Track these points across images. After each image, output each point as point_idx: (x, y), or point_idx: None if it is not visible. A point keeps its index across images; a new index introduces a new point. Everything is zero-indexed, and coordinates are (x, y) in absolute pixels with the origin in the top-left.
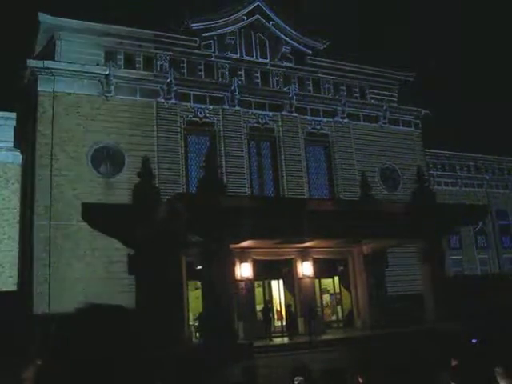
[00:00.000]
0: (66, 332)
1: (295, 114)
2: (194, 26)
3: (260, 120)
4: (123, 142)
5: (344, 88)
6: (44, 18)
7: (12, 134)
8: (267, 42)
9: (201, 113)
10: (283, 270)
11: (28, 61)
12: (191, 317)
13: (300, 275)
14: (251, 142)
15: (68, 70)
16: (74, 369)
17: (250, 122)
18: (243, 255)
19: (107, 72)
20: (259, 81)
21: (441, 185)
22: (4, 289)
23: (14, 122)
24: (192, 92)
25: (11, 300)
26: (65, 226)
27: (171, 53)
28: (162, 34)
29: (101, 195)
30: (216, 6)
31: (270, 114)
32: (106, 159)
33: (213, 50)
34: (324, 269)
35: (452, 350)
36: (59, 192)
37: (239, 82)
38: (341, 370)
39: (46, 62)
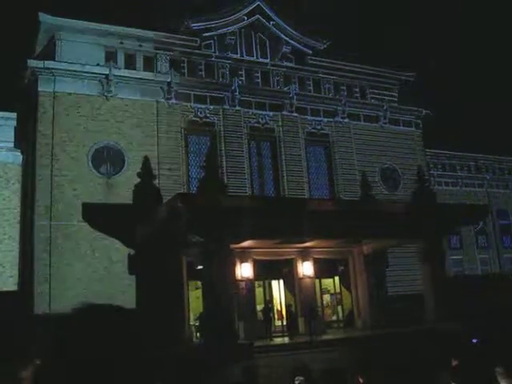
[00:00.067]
0: (63, 331)
1: (295, 114)
2: (195, 25)
3: (260, 120)
4: (123, 142)
5: (344, 88)
6: (44, 18)
7: (12, 134)
8: (267, 41)
9: (201, 113)
10: (283, 269)
11: (28, 61)
12: (192, 317)
13: (300, 275)
14: (251, 141)
15: (68, 70)
16: (72, 369)
17: (250, 122)
18: (243, 255)
19: (107, 72)
20: (259, 81)
21: (441, 185)
22: (5, 289)
23: (14, 122)
24: (192, 92)
25: (12, 300)
26: (65, 226)
27: (171, 53)
28: (163, 33)
29: (101, 195)
30: (216, 6)
31: (271, 113)
32: (107, 159)
33: (213, 50)
34: (324, 269)
35: (452, 349)
36: (60, 192)
37: (239, 82)
38: (341, 369)
39: (46, 62)
